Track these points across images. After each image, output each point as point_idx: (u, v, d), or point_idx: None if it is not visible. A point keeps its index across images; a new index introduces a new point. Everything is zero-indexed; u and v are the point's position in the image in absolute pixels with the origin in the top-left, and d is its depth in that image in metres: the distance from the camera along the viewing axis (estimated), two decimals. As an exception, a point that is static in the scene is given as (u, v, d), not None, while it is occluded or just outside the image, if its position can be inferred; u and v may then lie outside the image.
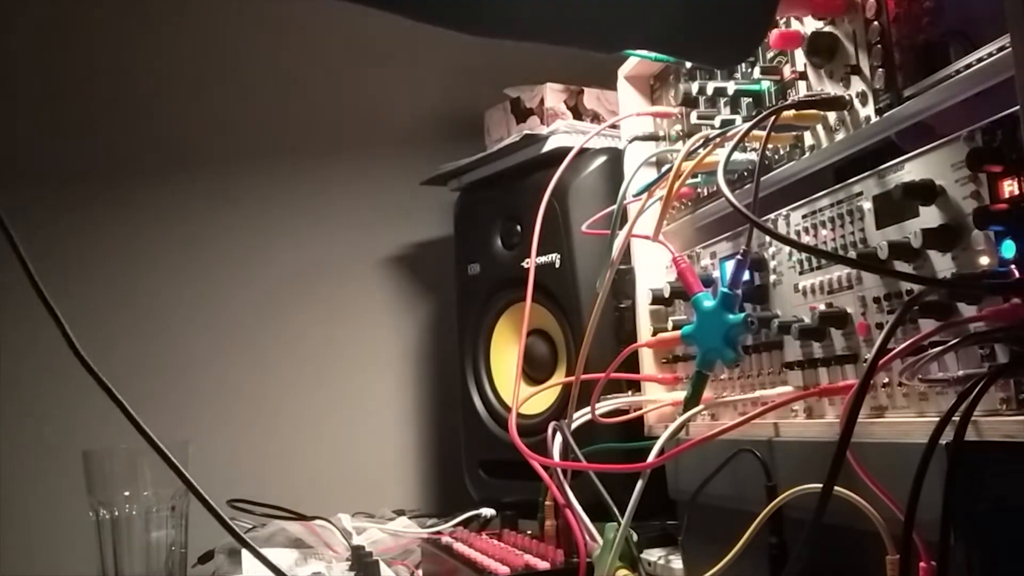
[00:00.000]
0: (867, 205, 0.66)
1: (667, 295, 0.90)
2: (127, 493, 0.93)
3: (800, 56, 0.74)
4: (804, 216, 0.73)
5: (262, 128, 1.48)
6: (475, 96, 1.42)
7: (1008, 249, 0.53)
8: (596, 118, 1.26)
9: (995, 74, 0.55)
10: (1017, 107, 0.50)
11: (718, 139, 0.75)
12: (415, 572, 1.03)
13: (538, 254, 1.02)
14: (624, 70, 1.02)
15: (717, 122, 0.81)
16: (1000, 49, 0.54)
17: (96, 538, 0.94)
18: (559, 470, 0.80)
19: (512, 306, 1.27)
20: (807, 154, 0.74)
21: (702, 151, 0.76)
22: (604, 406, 0.88)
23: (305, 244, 1.50)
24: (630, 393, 0.95)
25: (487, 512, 1.15)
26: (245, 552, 1.00)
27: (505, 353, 1.29)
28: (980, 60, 0.56)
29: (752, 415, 0.67)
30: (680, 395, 0.80)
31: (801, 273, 0.73)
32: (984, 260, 0.55)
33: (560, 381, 1.17)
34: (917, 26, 0.62)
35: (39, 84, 1.35)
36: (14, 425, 1.28)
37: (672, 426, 0.72)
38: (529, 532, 0.93)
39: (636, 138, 0.99)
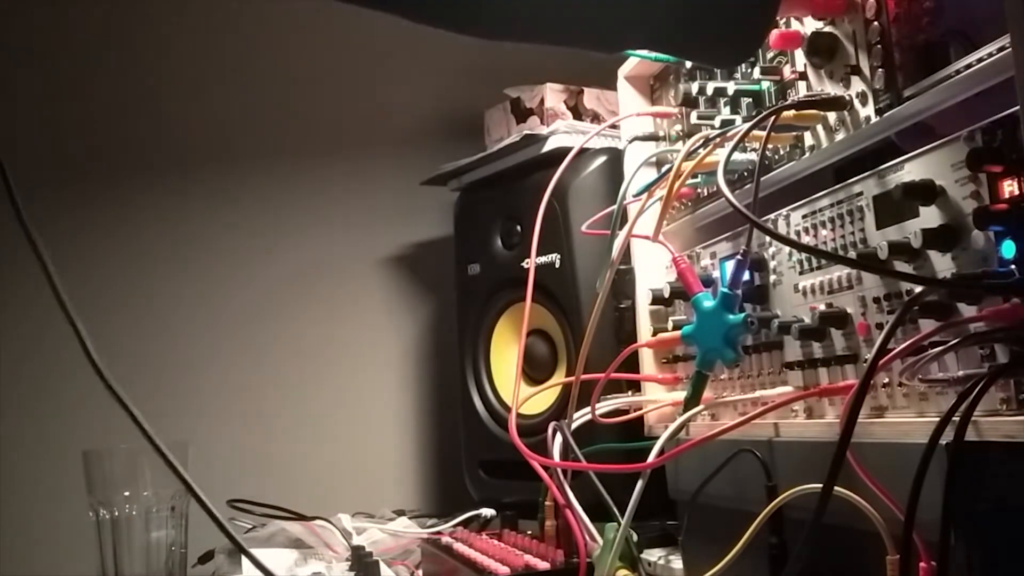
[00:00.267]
0: (867, 205, 0.66)
1: (667, 295, 0.90)
2: (127, 493, 0.93)
3: (800, 56, 0.74)
4: (804, 216, 0.73)
5: (262, 128, 1.48)
6: (475, 96, 1.42)
7: (1008, 249, 0.53)
8: (596, 118, 1.26)
9: (995, 74, 0.55)
10: (1017, 107, 0.50)
11: (718, 139, 0.75)
12: (415, 572, 1.03)
13: (538, 254, 1.02)
14: (624, 70, 1.02)
15: (717, 122, 0.81)
16: (1000, 49, 0.54)
17: (96, 538, 0.94)
18: (559, 470, 0.80)
19: (512, 306, 1.27)
20: (807, 154, 0.74)
21: (702, 151, 0.76)
22: (604, 406, 0.88)
23: (305, 244, 1.50)
24: (630, 393, 0.95)
25: (487, 512, 1.15)
26: (245, 552, 1.00)
27: (505, 353, 1.29)
28: (980, 60, 0.56)
29: (752, 415, 0.67)
30: (680, 395, 0.80)
31: (801, 273, 0.73)
32: (984, 260, 0.55)
33: (560, 381, 1.17)
34: (917, 26, 0.62)
35: (39, 84, 1.35)
36: (14, 425, 1.28)
37: (672, 426, 0.72)
38: (529, 532, 0.93)
39: (636, 138, 0.99)
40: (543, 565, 0.80)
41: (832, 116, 0.70)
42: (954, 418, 0.52)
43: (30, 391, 1.30)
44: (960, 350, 0.56)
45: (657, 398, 0.93)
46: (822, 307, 0.69)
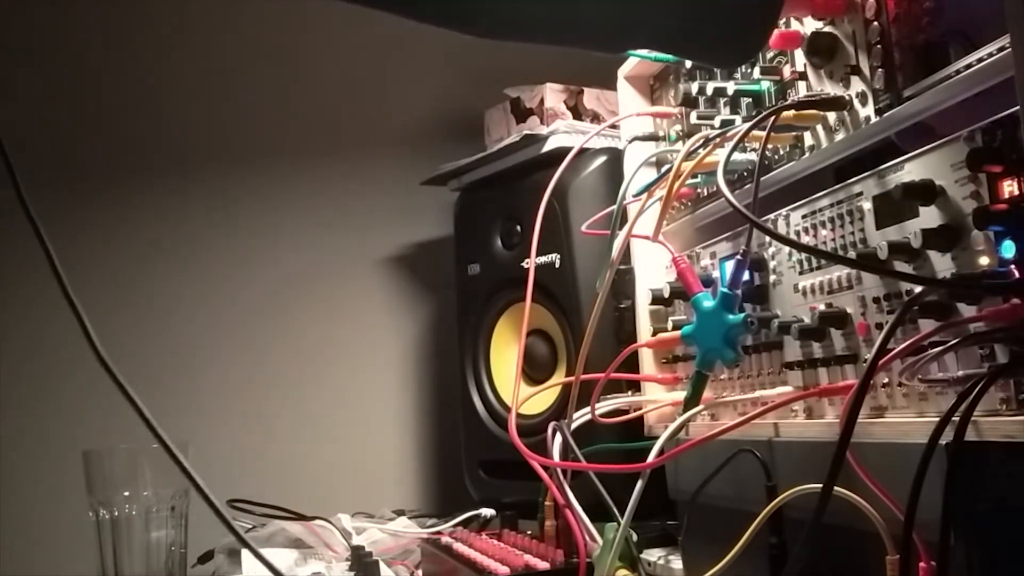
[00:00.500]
0: (867, 205, 0.66)
1: (667, 295, 0.90)
2: (127, 493, 0.93)
3: (800, 56, 0.74)
4: (804, 216, 0.73)
5: (262, 128, 1.48)
6: (475, 96, 1.42)
7: (1008, 249, 0.53)
8: (596, 118, 1.26)
9: (995, 74, 0.55)
10: (1017, 107, 0.50)
11: (718, 139, 0.75)
12: (415, 572, 1.03)
13: (538, 254, 1.02)
14: (624, 70, 1.02)
15: (717, 122, 0.81)
16: (1000, 49, 0.54)
17: (96, 538, 0.94)
18: (559, 470, 0.80)
19: (512, 306, 1.27)
20: (807, 154, 0.74)
21: (702, 151, 0.76)
22: (604, 406, 0.88)
23: (305, 244, 1.50)
24: (630, 393, 0.95)
25: (487, 512, 1.15)
26: (245, 552, 1.00)
27: (505, 353, 1.29)
28: (980, 60, 0.56)
29: (752, 415, 0.67)
30: (680, 395, 0.80)
31: (801, 273, 0.73)
32: (984, 260, 0.55)
33: (560, 381, 1.17)
34: (917, 26, 0.62)
35: (39, 84, 1.35)
36: (14, 425, 1.28)
37: (672, 426, 0.72)
38: (529, 532, 0.93)
39: (636, 138, 0.99)
40: (543, 565, 0.80)
41: (832, 116, 0.70)
42: (954, 418, 0.52)
43: (30, 391, 1.30)
44: (960, 350, 0.56)
45: (657, 398, 0.93)
46: (822, 307, 0.69)
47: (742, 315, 0.71)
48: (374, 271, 1.55)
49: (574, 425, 0.85)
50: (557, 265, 1.16)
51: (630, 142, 1.00)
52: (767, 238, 0.77)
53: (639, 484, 0.70)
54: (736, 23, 0.66)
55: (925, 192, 0.59)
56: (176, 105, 1.43)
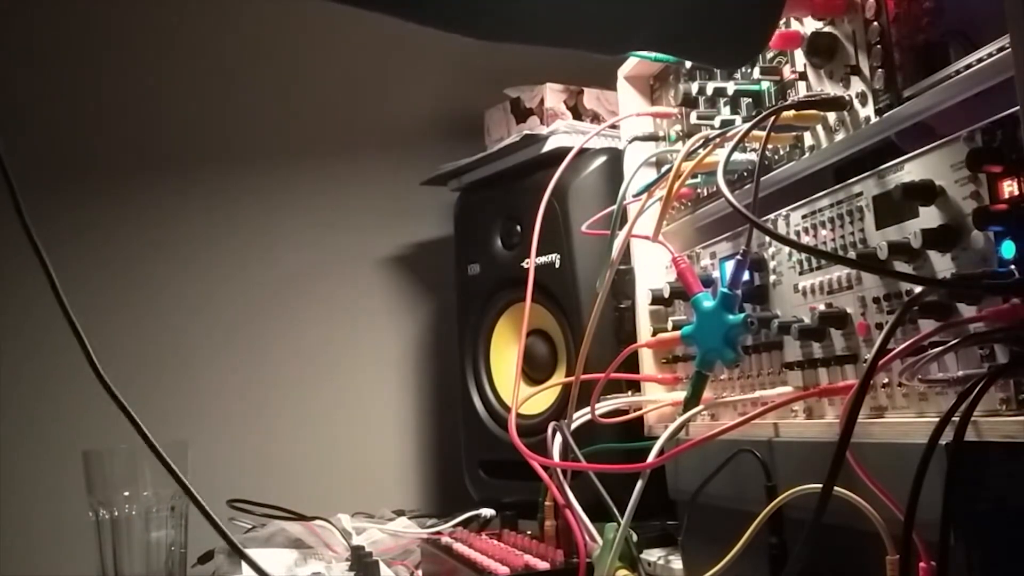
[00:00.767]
0: (867, 205, 0.66)
1: (667, 295, 0.90)
2: (127, 493, 0.93)
3: (800, 56, 0.74)
4: (804, 216, 0.73)
5: (262, 128, 1.48)
6: (475, 96, 1.42)
7: (1008, 249, 0.53)
8: (596, 118, 1.26)
9: (995, 74, 0.55)
10: (1017, 107, 0.50)
11: (718, 139, 0.75)
12: (415, 572, 1.03)
13: (538, 254, 1.02)
14: (624, 70, 1.02)
15: (717, 122, 0.81)
16: (1000, 49, 0.54)
17: (96, 538, 0.94)
18: (559, 470, 0.80)
19: (512, 306, 1.27)
20: (807, 154, 0.74)
21: (702, 151, 0.76)
22: (604, 406, 0.88)
23: (305, 244, 1.50)
24: (630, 393, 0.95)
25: (487, 512, 1.15)
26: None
27: (505, 353, 1.29)
28: (980, 60, 0.56)
29: (752, 415, 0.67)
30: (680, 395, 0.80)
31: (801, 273, 0.73)
32: (984, 260, 0.55)
33: (560, 381, 1.17)
34: (917, 26, 0.62)
35: (39, 84, 1.35)
36: (14, 425, 1.28)
37: (672, 426, 0.72)
38: (529, 532, 0.93)
39: (636, 138, 0.99)
40: (543, 565, 0.80)
41: (832, 116, 0.70)
42: (954, 418, 0.52)
43: (30, 391, 1.30)
44: (960, 350, 0.56)
45: (657, 398, 0.93)
46: (822, 307, 0.69)
47: (742, 315, 0.71)
48: (374, 271, 1.55)
49: (574, 425, 0.85)
50: (557, 265, 1.16)
51: (630, 142, 1.00)
52: (767, 238, 0.77)
53: (639, 484, 0.70)
54: (737, 23, 0.66)
55: (925, 192, 0.59)
56: (176, 105, 1.43)
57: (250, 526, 1.13)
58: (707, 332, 0.72)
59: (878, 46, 0.64)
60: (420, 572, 1.02)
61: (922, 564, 0.53)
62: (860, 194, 0.66)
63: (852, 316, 0.67)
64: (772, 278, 0.76)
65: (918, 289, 0.59)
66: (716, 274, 0.84)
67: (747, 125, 0.70)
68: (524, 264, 1.20)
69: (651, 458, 0.69)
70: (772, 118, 0.70)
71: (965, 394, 0.52)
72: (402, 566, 1.05)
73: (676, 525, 0.90)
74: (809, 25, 0.73)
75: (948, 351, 0.55)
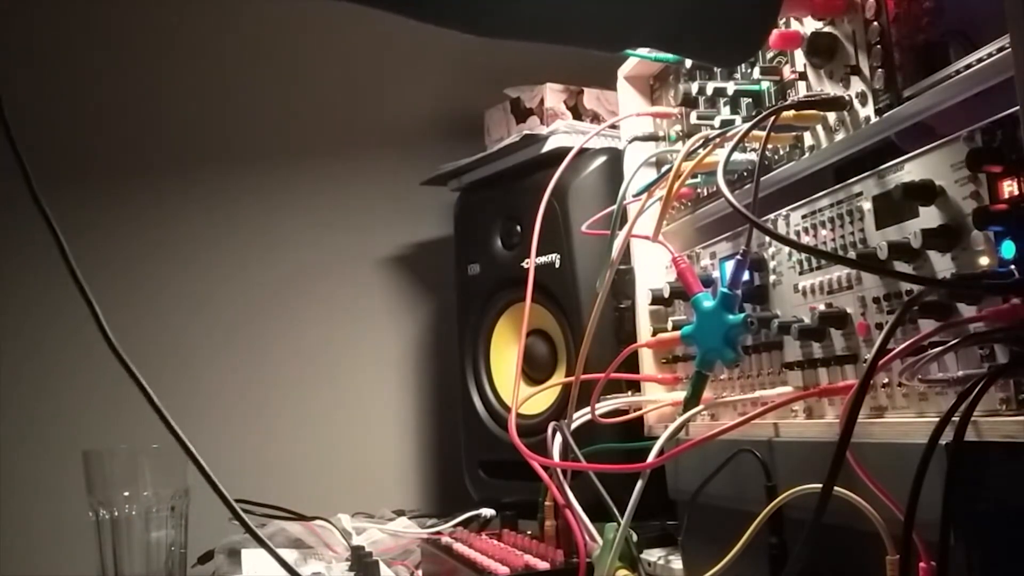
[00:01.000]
0: (867, 205, 0.66)
1: (667, 295, 0.89)
2: (127, 493, 0.93)
3: (800, 56, 0.74)
4: (804, 216, 0.73)
5: (262, 128, 1.48)
6: (475, 96, 1.42)
7: (1008, 249, 0.53)
8: (596, 118, 1.26)
9: (995, 74, 0.55)
10: (1017, 107, 0.50)
11: (718, 139, 0.75)
12: (415, 572, 1.03)
13: (538, 254, 1.02)
14: (624, 70, 1.02)
15: (717, 122, 0.81)
16: (1000, 49, 0.54)
17: (96, 538, 0.94)
18: (559, 470, 0.80)
19: (512, 306, 1.27)
20: (807, 154, 0.74)
21: (702, 151, 0.76)
22: (604, 406, 0.88)
23: (305, 244, 1.50)
24: (630, 393, 0.95)
25: (487, 512, 1.15)
26: (245, 552, 1.00)
27: (505, 353, 1.29)
28: (980, 60, 0.56)
29: (752, 415, 0.67)
30: (680, 395, 0.80)
31: (801, 273, 0.73)
32: (984, 260, 0.55)
33: (560, 381, 1.17)
34: (917, 26, 0.62)
35: (39, 84, 1.35)
36: (14, 425, 1.28)
37: (672, 426, 0.72)
38: (529, 532, 0.93)
39: (636, 138, 0.99)
40: (543, 565, 0.80)
41: (832, 116, 0.70)
42: (954, 418, 0.52)
43: (30, 391, 1.30)
44: (960, 350, 0.56)
45: (657, 398, 0.93)
46: (822, 307, 0.69)
47: (742, 315, 0.71)
48: (374, 271, 1.55)
49: (574, 425, 0.85)
50: (557, 265, 1.16)
51: (630, 142, 1.00)
52: (767, 238, 0.77)
53: (639, 484, 0.70)
54: (736, 22, 0.66)
55: (925, 192, 0.59)
56: (176, 105, 1.43)
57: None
58: (707, 332, 0.72)
59: (878, 46, 0.64)
60: (420, 572, 1.02)
61: (922, 564, 0.53)
62: (860, 194, 0.66)
63: (852, 316, 0.67)
64: (772, 278, 0.76)
65: (918, 289, 0.59)
66: (716, 274, 0.84)
67: (747, 125, 0.70)
68: (524, 264, 1.20)
69: (651, 458, 0.69)
70: (772, 118, 0.70)
71: (965, 394, 0.52)
72: (402, 566, 1.05)
73: (676, 525, 0.89)
74: (809, 25, 0.73)
75: (948, 351, 0.55)
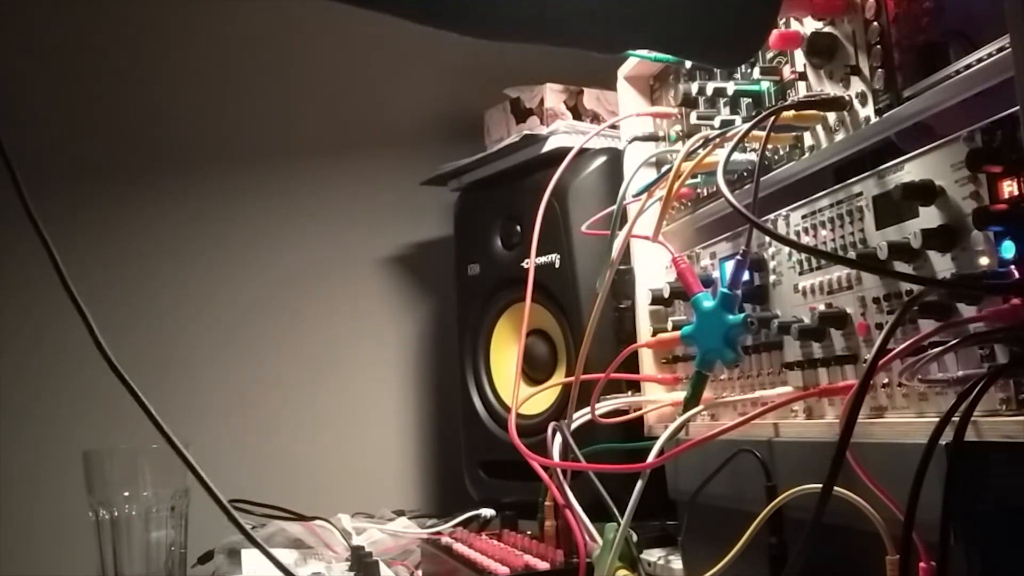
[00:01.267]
0: (867, 205, 0.66)
1: (667, 295, 0.89)
2: (127, 493, 0.93)
3: (800, 56, 0.74)
4: (804, 216, 0.73)
5: (262, 128, 1.48)
6: (475, 96, 1.42)
7: (1008, 249, 0.53)
8: (596, 118, 1.26)
9: (995, 74, 0.55)
10: (1017, 107, 0.50)
11: (718, 139, 0.75)
12: (415, 572, 1.03)
13: (538, 254, 1.02)
14: (624, 70, 1.02)
15: (717, 122, 0.81)
16: (1000, 49, 0.54)
17: (96, 538, 0.94)
18: (559, 470, 0.80)
19: (512, 306, 1.27)
20: (807, 154, 0.74)
21: (702, 151, 0.76)
22: (604, 406, 0.88)
23: (305, 244, 1.50)
24: (630, 393, 0.95)
25: (487, 512, 1.15)
26: (245, 552, 1.00)
27: (505, 353, 1.29)
28: (980, 60, 0.56)
29: (752, 415, 0.67)
30: (680, 395, 0.80)
31: (801, 273, 0.73)
32: (984, 260, 0.55)
33: (560, 381, 1.17)
34: (917, 26, 0.62)
35: (40, 84, 1.35)
36: (14, 425, 1.28)
37: (672, 426, 0.72)
38: (529, 532, 0.93)
39: (636, 138, 0.99)
40: (543, 565, 0.80)
41: (832, 116, 0.70)
42: (954, 418, 0.52)
43: (30, 391, 1.30)
44: (960, 350, 0.56)
45: (657, 398, 0.93)
46: (822, 307, 0.69)
47: (742, 315, 0.71)
48: (374, 271, 1.55)
49: (574, 425, 0.85)
50: (557, 265, 1.16)
51: (630, 142, 1.00)
52: (767, 238, 0.77)
53: (639, 484, 0.70)
54: (735, 23, 0.66)
55: (925, 192, 0.59)
56: (176, 105, 1.43)
57: (250, 526, 1.12)
58: (707, 332, 0.72)
59: (878, 46, 0.64)
60: (420, 572, 1.02)
61: (922, 564, 0.53)
62: (860, 194, 0.66)
63: (852, 316, 0.67)
64: (772, 278, 0.76)
65: (918, 289, 0.59)
66: (716, 274, 0.84)
67: (747, 125, 0.70)
68: (524, 264, 1.20)
69: (651, 458, 0.69)
70: (772, 118, 0.70)
71: (965, 394, 0.52)
72: (402, 566, 1.05)
73: (676, 525, 0.89)
74: (809, 25, 0.73)
75: (948, 351, 0.55)
